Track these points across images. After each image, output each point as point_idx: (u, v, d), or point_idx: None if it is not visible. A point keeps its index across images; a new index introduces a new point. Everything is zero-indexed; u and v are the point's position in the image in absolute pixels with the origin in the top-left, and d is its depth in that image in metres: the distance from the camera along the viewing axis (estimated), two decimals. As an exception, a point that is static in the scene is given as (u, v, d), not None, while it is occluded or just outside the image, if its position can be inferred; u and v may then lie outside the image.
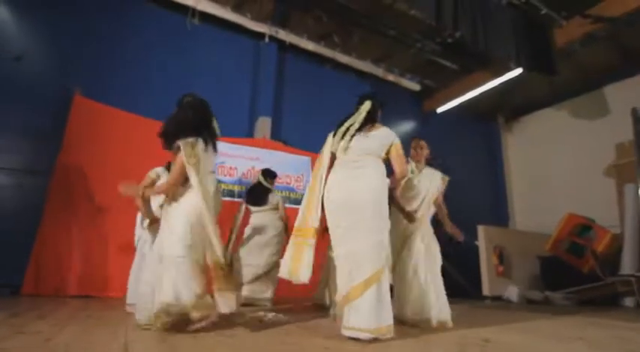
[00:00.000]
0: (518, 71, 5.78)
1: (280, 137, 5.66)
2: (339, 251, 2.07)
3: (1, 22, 4.27)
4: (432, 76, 6.93)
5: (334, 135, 2.28)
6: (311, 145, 5.66)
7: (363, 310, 1.87)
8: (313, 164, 5.40)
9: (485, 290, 5.43)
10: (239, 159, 5.05)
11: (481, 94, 6.73)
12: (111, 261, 3.90)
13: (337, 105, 6.43)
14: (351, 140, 2.22)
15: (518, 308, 4.53)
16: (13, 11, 4.32)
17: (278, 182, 5.19)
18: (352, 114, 2.34)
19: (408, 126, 7.30)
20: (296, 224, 2.21)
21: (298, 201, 5.34)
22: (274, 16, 5.58)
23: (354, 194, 2.07)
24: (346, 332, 1.90)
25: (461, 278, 6.10)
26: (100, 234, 3.96)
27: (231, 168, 4.98)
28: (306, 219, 2.16)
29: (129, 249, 3.90)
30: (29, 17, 4.36)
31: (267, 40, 5.58)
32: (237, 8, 5.33)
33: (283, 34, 5.64)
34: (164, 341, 1.75)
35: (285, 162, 5.35)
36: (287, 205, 5.15)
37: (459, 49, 6.08)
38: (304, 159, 5.54)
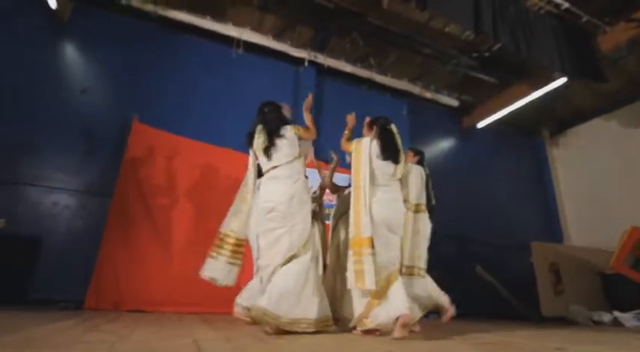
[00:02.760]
0: (562, 81, 5.63)
1: (322, 156, 5.76)
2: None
3: (67, 60, 4.76)
4: (469, 91, 6.89)
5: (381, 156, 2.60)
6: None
7: None
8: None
9: (544, 310, 5.07)
10: (282, 179, 5.17)
11: (522, 107, 6.58)
12: (165, 277, 4.04)
13: (374, 125, 6.59)
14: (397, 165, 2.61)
15: (583, 329, 4.19)
16: (78, 49, 4.81)
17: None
18: (386, 135, 2.68)
19: (447, 143, 7.22)
20: (351, 235, 2.42)
21: (341, 219, 5.36)
22: (313, 42, 5.84)
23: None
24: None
25: (513, 298, 5.76)
26: (156, 251, 4.14)
27: (275, 187, 5.10)
28: (359, 229, 2.37)
29: (183, 265, 4.07)
30: (91, 54, 4.83)
31: (306, 64, 5.83)
32: (278, 36, 5.65)
33: (321, 58, 5.87)
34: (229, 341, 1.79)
35: (326, 181, 5.41)
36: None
37: (496, 62, 6.06)
38: (346, 177, 5.57)
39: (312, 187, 4.17)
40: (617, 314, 4.76)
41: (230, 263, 2.68)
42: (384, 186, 2.56)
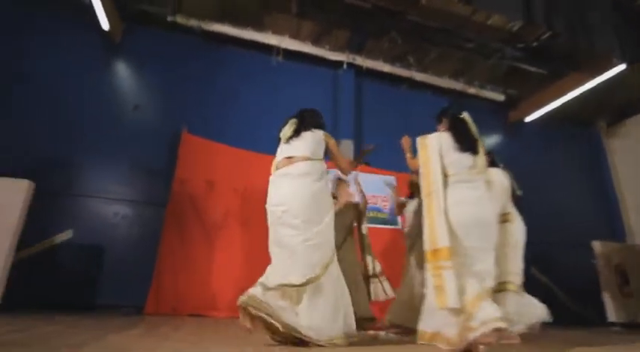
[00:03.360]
0: (621, 67, 5.24)
1: (363, 159, 5.72)
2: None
3: (120, 79, 5.05)
4: (515, 84, 6.58)
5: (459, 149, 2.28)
6: (394, 165, 5.64)
7: None
8: (399, 183, 5.41)
9: (611, 315, 4.73)
10: (325, 183, 5.18)
11: (575, 99, 6.18)
12: (220, 282, 4.16)
13: (415, 124, 6.43)
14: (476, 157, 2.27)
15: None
16: (129, 67, 5.09)
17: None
18: (460, 125, 2.37)
19: (493, 139, 6.93)
20: (425, 247, 2.13)
21: (386, 221, 5.30)
22: (350, 44, 5.82)
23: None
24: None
25: (572, 302, 5.42)
26: (210, 257, 4.28)
27: (319, 191, 5.12)
28: (435, 239, 2.08)
29: (235, 270, 4.18)
30: (141, 71, 5.10)
31: (345, 67, 5.82)
32: (316, 41, 5.68)
33: (360, 60, 5.84)
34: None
35: (370, 183, 5.37)
36: (375, 225, 5.15)
37: (545, 52, 5.73)
38: (389, 178, 5.50)
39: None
40: None
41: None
42: (467, 183, 2.19)
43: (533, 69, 6.05)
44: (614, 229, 6.89)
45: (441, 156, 2.25)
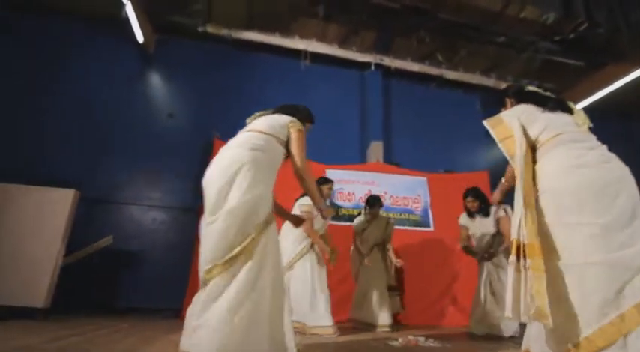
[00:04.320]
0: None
1: (393, 160, 5.65)
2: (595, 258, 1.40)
3: (154, 89, 5.23)
4: (551, 78, 6.30)
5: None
6: (424, 165, 5.54)
7: None
8: (430, 184, 5.30)
9: None
10: (355, 185, 5.15)
11: (618, 90, 5.85)
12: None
13: (445, 123, 6.32)
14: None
15: None
16: (162, 77, 5.27)
17: (396, 204, 5.16)
18: (532, 93, 1.89)
19: (528, 135, 6.68)
20: (514, 237, 1.53)
21: (417, 223, 5.19)
22: (377, 46, 5.78)
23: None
24: None
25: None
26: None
27: (349, 193, 5.09)
28: (531, 232, 1.49)
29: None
30: (174, 80, 5.27)
31: (372, 68, 5.78)
32: (343, 43, 5.67)
33: (388, 61, 5.78)
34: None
35: (400, 184, 5.29)
36: (406, 227, 5.06)
37: (583, 44, 5.47)
38: (420, 179, 5.40)
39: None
40: None
41: None
42: (580, 143, 1.61)
43: (570, 61, 5.79)
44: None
45: (524, 129, 1.69)
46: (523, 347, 1.60)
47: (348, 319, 3.75)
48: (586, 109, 5.42)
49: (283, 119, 1.97)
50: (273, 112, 2.08)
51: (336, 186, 5.05)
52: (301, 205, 3.09)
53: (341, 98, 5.87)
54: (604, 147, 1.62)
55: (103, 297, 4.22)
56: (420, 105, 6.12)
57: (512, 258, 1.49)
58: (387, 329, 3.33)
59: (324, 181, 3.36)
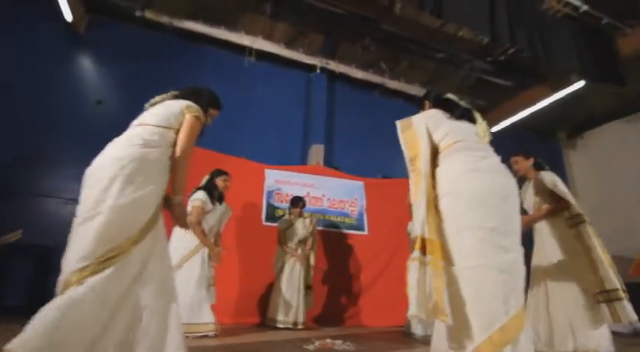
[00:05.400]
0: (581, 84, 5.50)
1: (333, 163, 5.75)
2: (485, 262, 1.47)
3: (83, 71, 4.85)
4: (484, 95, 6.77)
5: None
6: (363, 170, 5.69)
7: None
8: (367, 188, 5.46)
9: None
10: (294, 186, 5.16)
11: (539, 111, 6.45)
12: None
13: (385, 130, 6.50)
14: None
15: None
16: (93, 60, 4.90)
17: (333, 207, 5.26)
18: (446, 100, 2.01)
19: (461, 147, 7.12)
20: (419, 232, 1.57)
21: (353, 226, 5.32)
22: (324, 49, 5.83)
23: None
24: None
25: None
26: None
27: (287, 194, 5.09)
28: (432, 229, 1.55)
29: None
30: (107, 65, 4.91)
31: (318, 71, 5.82)
32: (290, 44, 5.65)
33: (333, 65, 5.86)
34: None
35: (338, 188, 5.39)
36: (341, 230, 5.18)
37: (512, 65, 5.95)
38: (357, 183, 5.54)
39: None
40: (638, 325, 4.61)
41: None
42: (476, 152, 1.72)
43: (500, 81, 6.26)
44: (571, 237, 7.21)
45: (429, 134, 1.80)
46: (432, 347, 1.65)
47: (268, 318, 3.79)
48: (511, 126, 5.88)
49: (179, 104, 1.84)
50: (174, 97, 1.94)
51: (273, 187, 5.06)
52: (193, 200, 3.00)
53: (285, 98, 5.85)
54: (498, 158, 1.75)
55: (10, 296, 3.84)
56: (363, 111, 6.28)
57: (417, 252, 1.51)
58: (301, 327, 3.54)
59: (219, 173, 3.24)
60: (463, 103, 1.98)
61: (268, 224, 4.78)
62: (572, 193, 7.89)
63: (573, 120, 7.53)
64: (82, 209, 1.49)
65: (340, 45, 5.84)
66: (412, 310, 1.43)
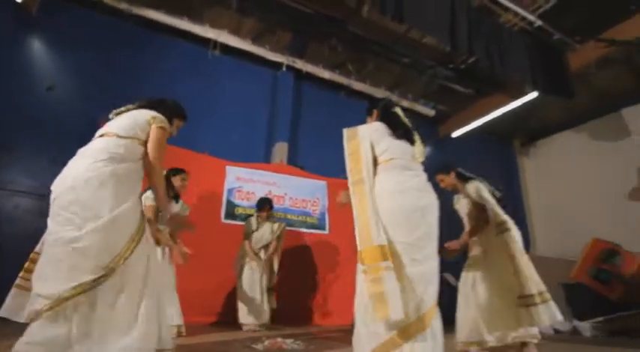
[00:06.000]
0: (534, 95, 5.81)
1: (297, 162, 5.74)
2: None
3: (34, 54, 4.56)
4: (446, 101, 7.00)
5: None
6: (326, 170, 5.73)
7: None
8: (329, 188, 5.49)
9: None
10: (256, 184, 5.12)
11: (497, 118, 6.74)
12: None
13: (352, 130, 6.61)
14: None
15: (543, 339, 4.32)
16: (45, 44, 4.61)
17: (295, 206, 5.26)
18: (392, 115, 2.09)
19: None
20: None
21: (314, 226, 5.35)
22: (291, 47, 5.80)
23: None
24: None
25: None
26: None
27: (248, 192, 5.04)
28: (369, 237, 1.67)
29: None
30: (60, 49, 4.64)
31: (284, 69, 5.78)
32: (256, 40, 5.58)
33: (300, 64, 5.84)
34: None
35: (301, 187, 5.40)
36: (302, 229, 5.19)
37: (472, 73, 6.18)
38: (320, 183, 5.58)
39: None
40: (576, 323, 4.94)
41: None
42: (408, 171, 1.90)
43: (461, 88, 6.49)
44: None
45: (372, 147, 1.91)
46: None
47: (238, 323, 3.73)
48: (471, 132, 6.10)
49: (144, 115, 1.84)
50: (137, 107, 1.92)
51: (235, 184, 4.99)
52: (146, 199, 2.91)
53: (250, 94, 5.78)
54: (425, 178, 1.95)
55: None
56: (328, 110, 6.31)
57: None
58: (261, 328, 3.53)
59: (176, 172, 3.14)
60: (407, 122, 2.10)
61: (227, 221, 4.72)
62: (524, 197, 8.32)
63: (527, 129, 7.94)
64: (58, 230, 1.55)
65: (308, 44, 5.84)
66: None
